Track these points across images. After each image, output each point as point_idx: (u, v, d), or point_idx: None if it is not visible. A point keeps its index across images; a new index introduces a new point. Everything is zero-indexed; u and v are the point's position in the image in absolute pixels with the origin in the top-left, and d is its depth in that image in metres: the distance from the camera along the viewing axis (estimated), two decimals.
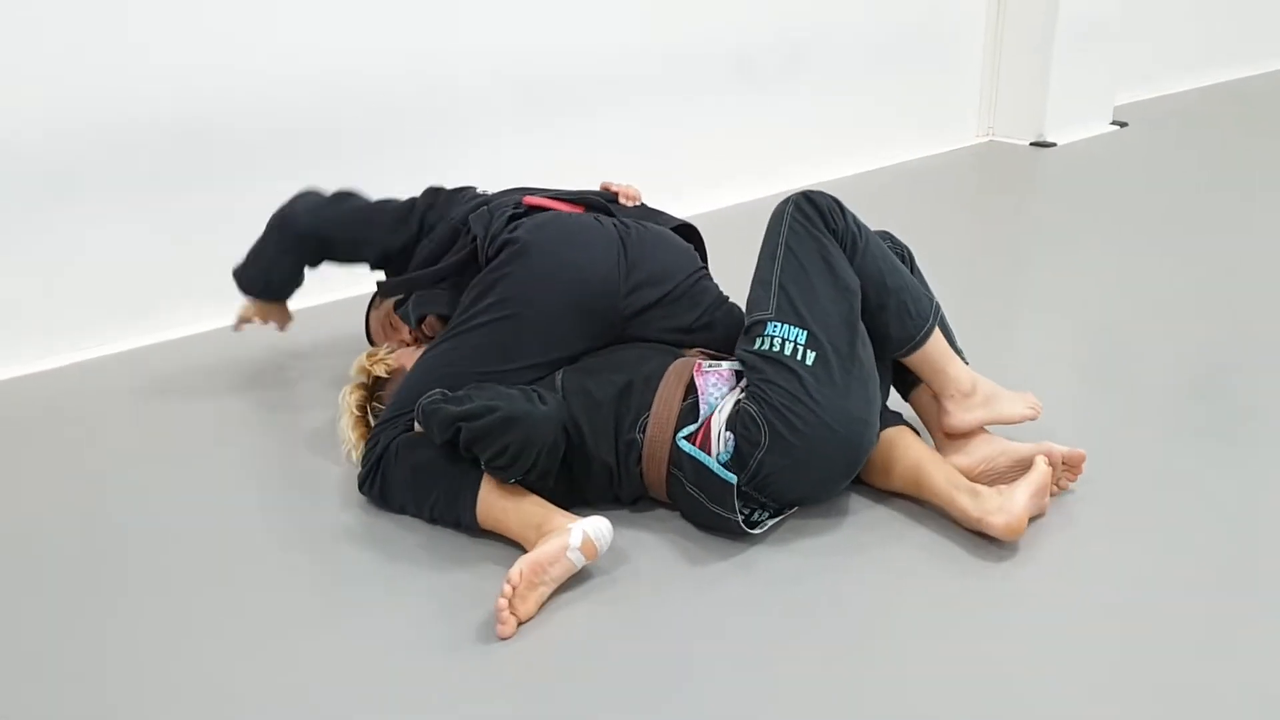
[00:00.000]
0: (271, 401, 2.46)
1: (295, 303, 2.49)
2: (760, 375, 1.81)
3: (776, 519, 1.87)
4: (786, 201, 1.95)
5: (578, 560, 1.68)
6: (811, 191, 1.96)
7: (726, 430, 1.80)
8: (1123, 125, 4.94)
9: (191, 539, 1.92)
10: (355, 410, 2.04)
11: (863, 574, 1.77)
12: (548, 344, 1.97)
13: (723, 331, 2.05)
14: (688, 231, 2.24)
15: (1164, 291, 2.94)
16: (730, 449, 1.79)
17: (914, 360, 1.97)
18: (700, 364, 1.92)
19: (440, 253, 2.16)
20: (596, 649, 1.60)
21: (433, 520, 1.90)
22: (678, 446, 1.82)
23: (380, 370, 2.08)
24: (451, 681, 1.55)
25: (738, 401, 1.83)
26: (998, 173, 4.43)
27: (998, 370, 2.06)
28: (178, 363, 2.67)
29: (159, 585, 1.79)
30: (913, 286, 1.97)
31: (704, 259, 2.21)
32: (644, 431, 1.85)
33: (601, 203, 2.22)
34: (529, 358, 1.96)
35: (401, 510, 1.93)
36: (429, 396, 1.83)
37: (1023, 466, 1.90)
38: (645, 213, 2.27)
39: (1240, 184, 4.04)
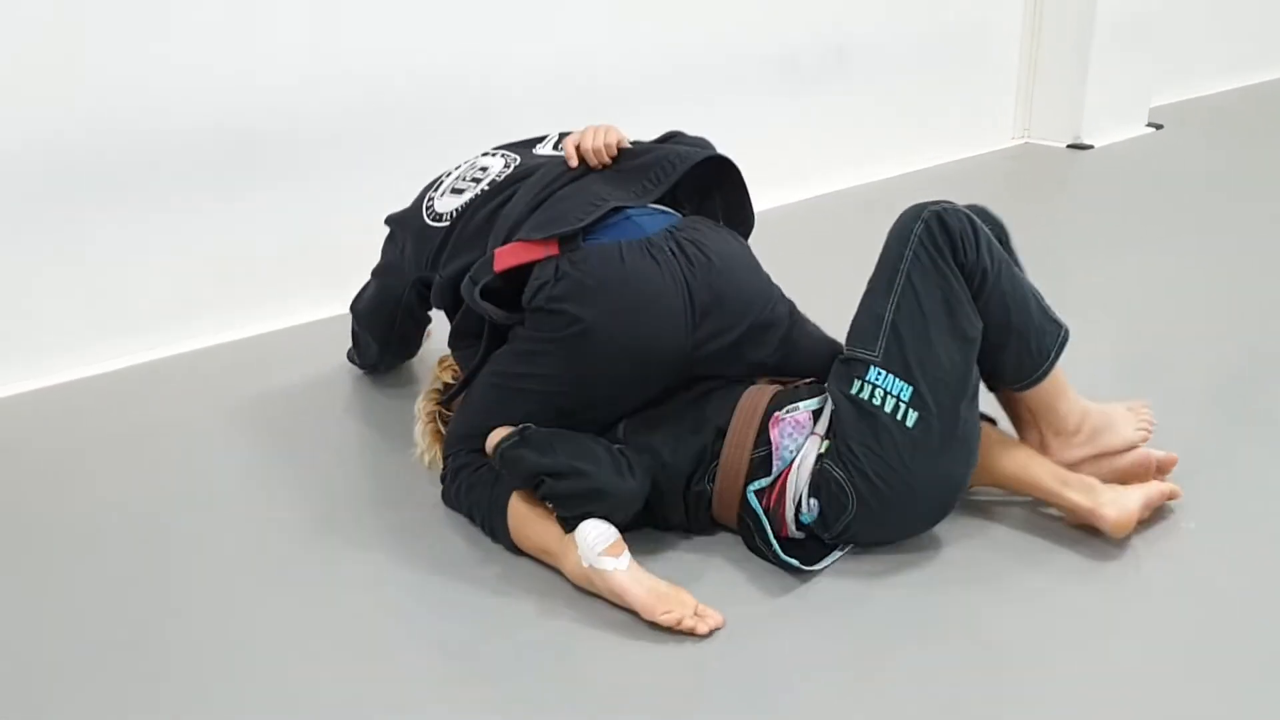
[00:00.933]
0: (339, 403, 2.44)
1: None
2: (850, 430, 1.69)
3: (841, 552, 1.78)
4: (916, 218, 1.73)
5: (625, 563, 1.63)
6: (945, 209, 1.72)
7: (810, 496, 1.71)
8: (1158, 127, 4.89)
9: (268, 543, 1.90)
10: (425, 417, 2.03)
11: (947, 591, 1.72)
12: (610, 408, 1.87)
13: (798, 360, 1.88)
14: (719, 166, 1.99)
15: (1204, 295, 2.91)
16: (814, 514, 1.71)
17: (1025, 396, 1.86)
18: (777, 415, 1.76)
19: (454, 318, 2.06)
20: (684, 669, 1.57)
21: (491, 537, 1.86)
22: (747, 502, 1.74)
23: (447, 376, 2.07)
24: (533, 699, 1.52)
25: (819, 458, 1.71)
26: (1035, 176, 4.38)
27: None
28: (222, 368, 2.64)
29: (229, 593, 1.77)
30: (1038, 322, 1.78)
31: (742, 187, 2.00)
32: (713, 482, 1.77)
33: (575, 231, 1.81)
34: (589, 422, 1.85)
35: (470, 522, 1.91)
36: (509, 440, 1.74)
37: (1119, 475, 1.85)
38: (652, 162, 1.97)
39: (1278, 185, 3.99)
